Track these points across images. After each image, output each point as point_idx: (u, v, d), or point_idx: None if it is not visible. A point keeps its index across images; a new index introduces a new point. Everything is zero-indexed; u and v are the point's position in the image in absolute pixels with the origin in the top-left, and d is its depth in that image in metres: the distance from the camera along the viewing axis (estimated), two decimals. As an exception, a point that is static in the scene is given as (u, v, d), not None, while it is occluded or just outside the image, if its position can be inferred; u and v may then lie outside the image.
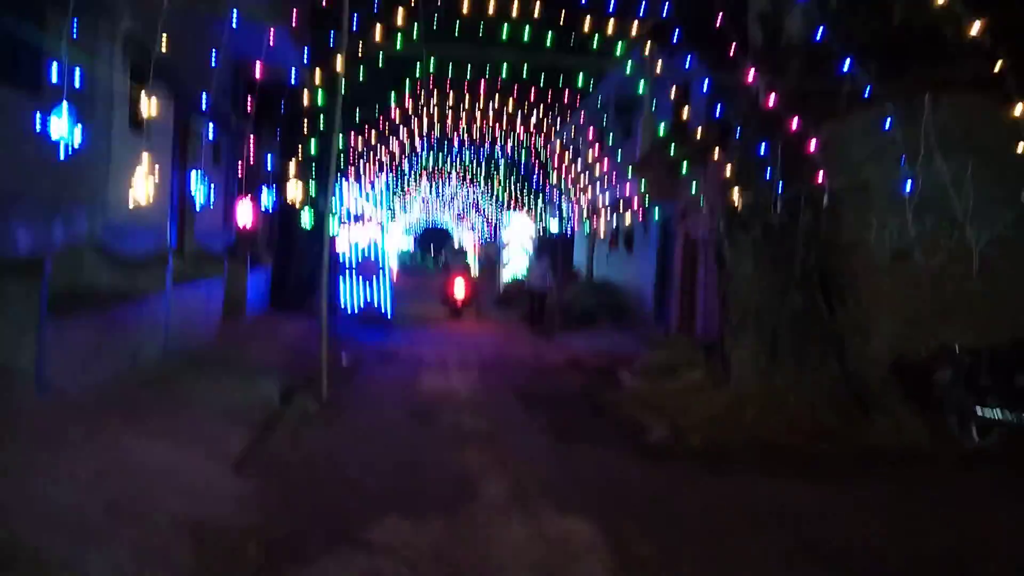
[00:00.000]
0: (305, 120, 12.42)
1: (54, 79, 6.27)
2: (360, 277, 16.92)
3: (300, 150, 12.91)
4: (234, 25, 10.54)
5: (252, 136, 12.95)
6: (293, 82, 11.96)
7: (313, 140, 12.20)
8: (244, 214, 11.54)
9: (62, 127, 6.06)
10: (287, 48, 12.14)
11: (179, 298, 8.89)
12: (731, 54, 8.68)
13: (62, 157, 6.17)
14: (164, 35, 8.45)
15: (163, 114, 10.40)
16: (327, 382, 8.78)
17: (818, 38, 8.64)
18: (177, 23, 9.22)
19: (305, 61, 12.04)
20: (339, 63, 8.36)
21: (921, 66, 8.51)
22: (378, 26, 8.15)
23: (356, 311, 17.02)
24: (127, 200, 9.33)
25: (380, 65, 10.70)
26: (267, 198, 13.46)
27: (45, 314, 5.60)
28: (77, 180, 8.06)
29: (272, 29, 11.56)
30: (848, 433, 8.20)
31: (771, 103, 7.63)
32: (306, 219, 13.20)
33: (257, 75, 12.56)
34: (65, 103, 6.02)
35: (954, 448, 7.78)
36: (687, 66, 9.44)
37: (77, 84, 6.40)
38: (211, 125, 12.13)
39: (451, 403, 9.57)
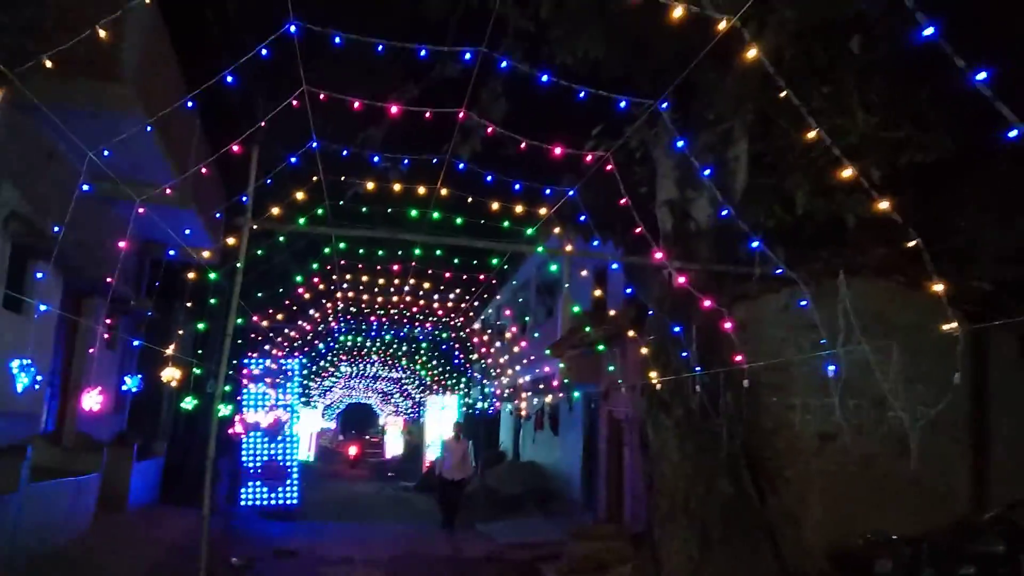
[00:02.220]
0: (206, 300, 11.89)
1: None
2: (263, 467, 15.75)
3: (187, 331, 12.18)
4: (138, 208, 10.27)
5: (150, 317, 12.28)
6: (196, 261, 11.53)
7: (201, 321, 11.54)
8: (91, 401, 10.41)
9: None
10: (196, 229, 11.82)
11: (39, 494, 7.83)
12: (641, 239, 8.76)
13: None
14: (51, 214, 8.03)
15: (48, 294, 9.76)
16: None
17: (723, 224, 8.89)
18: (71, 202, 8.84)
19: (209, 244, 11.69)
20: (243, 240, 7.96)
21: (827, 252, 8.69)
22: (276, 208, 7.87)
23: (260, 503, 15.68)
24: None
25: (282, 241, 10.38)
26: (132, 383, 12.39)
27: None
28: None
29: (181, 210, 11.32)
30: (789, 634, 7.52)
31: (682, 285, 7.54)
32: (188, 404, 12.24)
33: (158, 256, 12.26)
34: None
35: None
36: (600, 248, 9.44)
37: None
38: (103, 306, 11.48)
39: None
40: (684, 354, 8.05)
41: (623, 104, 6.12)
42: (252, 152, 8.05)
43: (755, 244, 6.70)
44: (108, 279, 10.57)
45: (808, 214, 8.62)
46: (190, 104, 7.77)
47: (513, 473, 20.17)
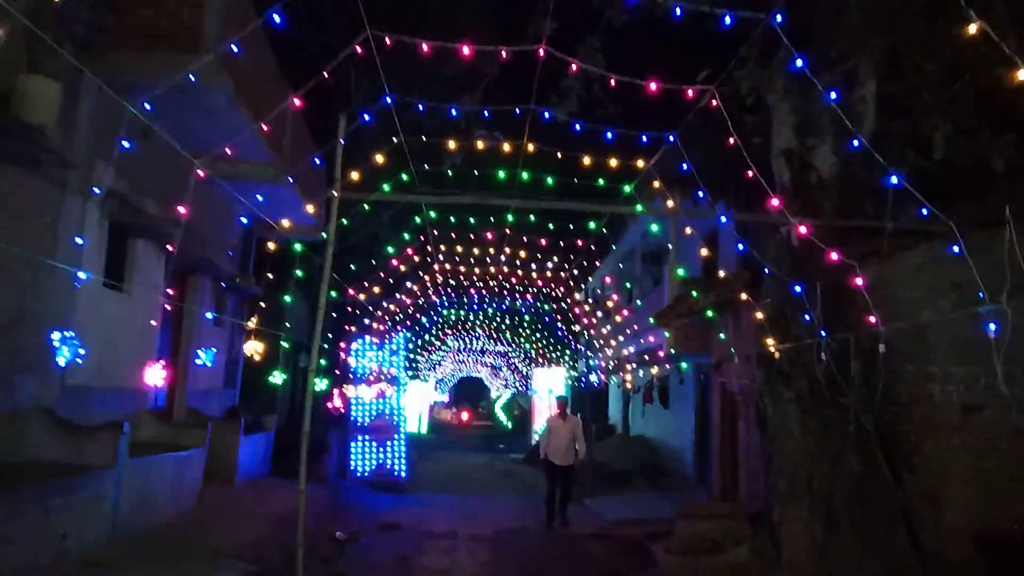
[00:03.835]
0: (304, 274, 11.89)
1: None
2: (372, 439, 15.85)
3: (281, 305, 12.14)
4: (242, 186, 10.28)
5: (257, 295, 12.40)
6: (298, 238, 11.53)
7: (288, 294, 11.45)
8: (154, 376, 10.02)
9: None
10: (296, 205, 11.80)
11: (141, 469, 7.95)
12: (753, 195, 8.00)
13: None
14: (153, 191, 8.03)
15: (150, 272, 9.92)
16: (303, 568, 7.50)
17: (849, 174, 7.97)
18: (172, 179, 8.89)
19: (311, 220, 11.63)
20: (333, 211, 7.74)
21: (971, 203, 7.63)
22: (356, 173, 7.59)
23: (368, 475, 15.83)
24: (102, 361, 8.68)
25: (369, 211, 10.14)
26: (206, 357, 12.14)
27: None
28: (28, 341, 7.38)
29: (279, 186, 11.29)
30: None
31: (804, 237, 6.73)
32: (277, 379, 12.28)
33: (265, 235, 12.32)
34: None
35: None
36: (707, 206, 8.69)
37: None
38: (210, 284, 11.66)
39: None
40: (807, 318, 7.26)
41: (728, 20, 5.35)
42: (339, 120, 7.85)
43: (894, 180, 5.76)
44: (211, 258, 10.74)
45: (948, 160, 7.60)
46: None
47: (622, 447, 19.66)
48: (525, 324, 24.07)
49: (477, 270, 15.95)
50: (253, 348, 10.93)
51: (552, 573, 9.10)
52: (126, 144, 6.71)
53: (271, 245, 11.41)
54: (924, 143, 7.56)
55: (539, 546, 10.81)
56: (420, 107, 7.08)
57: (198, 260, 11.20)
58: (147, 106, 6.07)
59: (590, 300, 21.60)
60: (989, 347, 7.88)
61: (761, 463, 9.53)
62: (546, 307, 20.59)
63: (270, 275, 12.95)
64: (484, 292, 18.99)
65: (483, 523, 12.15)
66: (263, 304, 11.51)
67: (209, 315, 9.63)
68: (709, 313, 10.94)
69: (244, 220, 10.65)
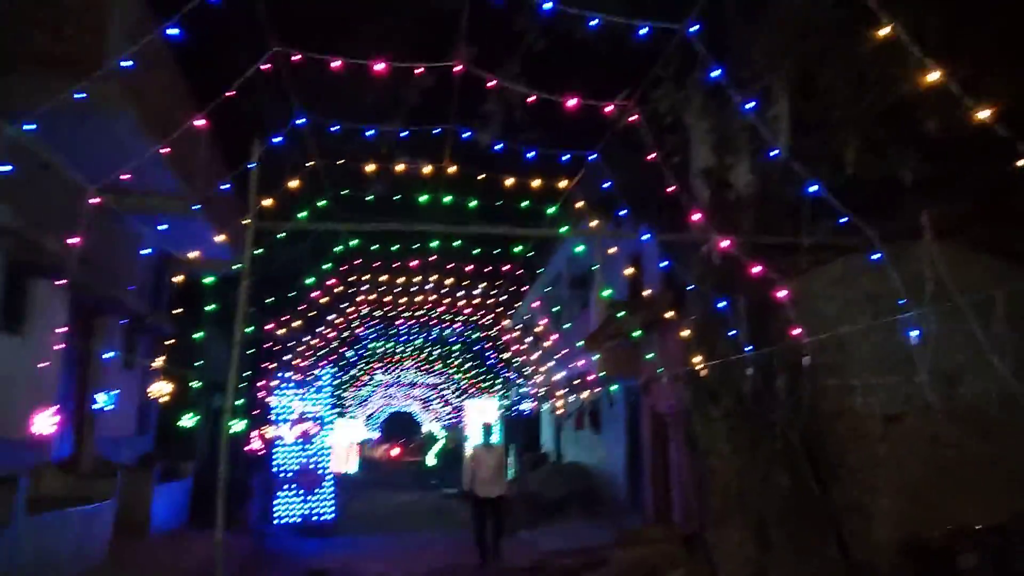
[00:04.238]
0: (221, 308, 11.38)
1: None
2: (298, 487, 15.25)
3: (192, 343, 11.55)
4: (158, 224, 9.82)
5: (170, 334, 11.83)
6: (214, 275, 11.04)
7: (199, 330, 10.92)
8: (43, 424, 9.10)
9: None
10: (209, 237, 11.35)
11: (41, 526, 7.35)
12: (675, 216, 8.06)
13: None
14: (54, 227, 7.55)
15: (52, 314, 9.33)
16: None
17: (766, 193, 8.13)
18: (75, 214, 8.40)
19: (226, 254, 11.18)
20: (247, 241, 7.43)
21: (879, 217, 7.87)
22: (270, 200, 7.31)
23: (294, 519, 15.20)
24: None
25: (285, 240, 9.80)
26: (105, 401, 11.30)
27: None
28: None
29: (195, 221, 10.86)
30: (868, 639, 6.78)
31: (726, 251, 6.78)
32: (187, 421, 11.71)
33: (179, 270, 11.78)
34: None
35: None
36: (629, 227, 8.72)
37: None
38: (119, 324, 11.06)
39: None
40: (732, 333, 7.29)
41: (645, 31, 5.35)
42: (253, 145, 7.59)
43: (814, 188, 5.86)
44: (118, 296, 10.18)
45: (858, 175, 7.82)
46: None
47: (555, 475, 19.46)
48: (454, 354, 23.79)
49: (403, 300, 15.62)
50: (160, 389, 10.33)
51: (488, 610, 8.83)
52: (5, 168, 6.21)
53: (180, 279, 10.89)
54: (835, 159, 7.76)
55: (475, 582, 10.51)
56: (335, 129, 6.88)
57: (104, 299, 10.62)
58: (28, 127, 5.64)
59: (519, 327, 21.50)
60: (907, 358, 8.13)
61: (693, 484, 9.52)
62: (475, 335, 20.40)
63: (183, 311, 12.37)
64: (411, 322, 18.67)
65: (415, 563, 11.76)
66: (170, 342, 10.94)
67: (108, 355, 9.08)
68: (636, 334, 10.94)
69: (148, 251, 10.15)
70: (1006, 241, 7.94)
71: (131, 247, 11.44)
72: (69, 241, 7.70)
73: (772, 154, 6.69)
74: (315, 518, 15.28)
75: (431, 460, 36.44)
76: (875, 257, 5.89)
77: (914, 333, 5.87)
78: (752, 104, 6.59)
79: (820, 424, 8.00)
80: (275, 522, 15.06)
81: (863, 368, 8.16)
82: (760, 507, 7.77)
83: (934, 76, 4.38)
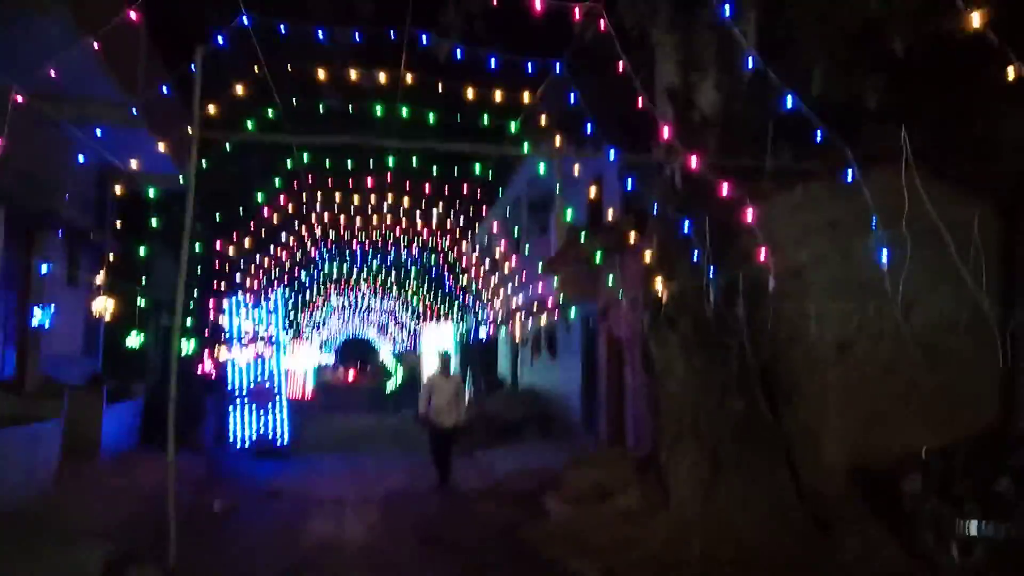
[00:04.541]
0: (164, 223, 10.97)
1: None
2: (252, 405, 15.07)
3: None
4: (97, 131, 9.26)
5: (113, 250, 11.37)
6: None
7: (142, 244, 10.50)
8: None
9: None
10: (153, 150, 10.83)
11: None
12: (639, 138, 7.85)
13: None
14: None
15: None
16: (176, 543, 6.97)
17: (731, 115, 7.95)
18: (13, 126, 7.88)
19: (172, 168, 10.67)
20: (191, 153, 7.05)
21: (844, 139, 7.77)
22: (212, 106, 6.90)
23: (250, 441, 15.09)
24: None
25: (232, 152, 9.34)
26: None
27: None
28: None
29: (139, 131, 10.31)
30: (811, 559, 6.97)
31: (688, 181, 6.63)
32: (134, 340, 11.39)
33: (118, 184, 11.25)
34: None
35: (933, 571, 6.57)
36: (595, 147, 8.49)
37: None
38: (61, 240, 10.59)
39: (340, 557, 7.91)
40: (694, 258, 7.20)
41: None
42: (196, 55, 7.13)
43: (789, 104, 5.71)
44: (55, 207, 9.72)
45: (822, 99, 7.68)
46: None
47: (511, 400, 19.65)
48: (412, 278, 23.53)
49: (358, 220, 15.19)
50: (103, 306, 9.95)
51: (444, 533, 8.88)
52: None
53: (121, 191, 10.39)
54: (802, 81, 7.58)
55: (430, 507, 10.58)
56: (282, 28, 6.45)
57: (43, 214, 10.13)
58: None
59: (478, 250, 21.30)
60: (862, 285, 8.17)
61: (648, 407, 9.60)
62: (433, 259, 20.14)
63: (128, 226, 11.87)
64: (367, 245, 18.29)
65: (371, 486, 11.78)
66: (112, 256, 10.51)
67: (45, 269, 8.68)
68: (597, 258, 10.85)
69: (82, 159, 9.64)
70: (964, 170, 7.92)
71: (69, 157, 10.86)
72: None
73: (748, 65, 6.48)
74: (270, 437, 15.17)
75: (390, 387, 36.60)
76: (848, 180, 5.78)
77: (880, 258, 5.81)
78: (729, 6, 6.33)
79: (775, 350, 8.06)
80: (230, 443, 14.93)
81: (819, 295, 8.20)
82: (714, 431, 7.84)
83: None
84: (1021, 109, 7.85)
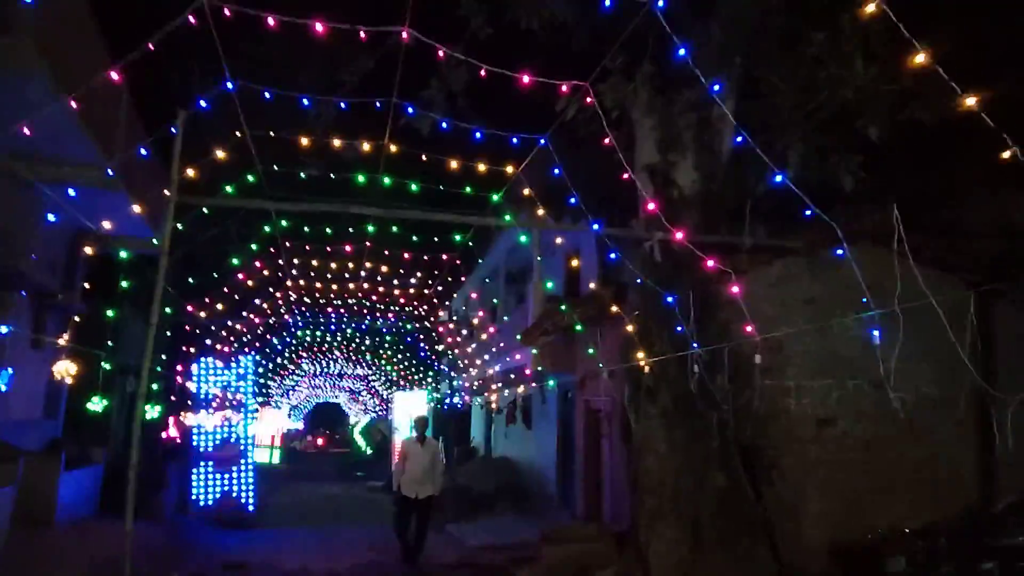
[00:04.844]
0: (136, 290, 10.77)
1: None
2: (216, 467, 14.61)
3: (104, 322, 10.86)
4: (70, 193, 9.14)
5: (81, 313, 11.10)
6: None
7: (112, 308, 10.28)
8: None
9: None
10: (128, 212, 10.69)
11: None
12: (620, 213, 7.93)
13: None
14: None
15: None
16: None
17: (709, 193, 8.07)
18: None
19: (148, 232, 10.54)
20: (167, 216, 6.96)
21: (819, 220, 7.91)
22: (192, 170, 6.86)
23: (211, 507, 14.57)
24: None
25: (210, 216, 9.25)
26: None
27: None
28: None
29: (116, 194, 10.18)
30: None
31: (679, 243, 6.65)
32: (96, 405, 11.04)
33: (89, 245, 11.08)
34: None
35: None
36: (574, 219, 8.55)
37: None
38: (26, 300, 10.31)
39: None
40: (678, 330, 7.17)
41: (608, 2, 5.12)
42: (179, 119, 7.12)
43: (779, 179, 5.77)
44: (19, 266, 9.49)
45: (798, 180, 7.83)
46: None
47: (485, 470, 19.27)
48: (386, 345, 23.28)
49: (335, 286, 15.02)
50: (64, 369, 9.61)
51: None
52: None
53: (91, 252, 10.19)
54: (778, 162, 7.74)
55: (401, 578, 10.22)
56: (267, 95, 6.45)
57: (8, 274, 9.86)
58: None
59: (455, 319, 21.18)
60: (841, 361, 8.21)
61: (626, 482, 9.43)
62: (409, 326, 19.97)
63: (97, 289, 11.62)
64: (342, 311, 18.08)
65: (338, 558, 11.37)
66: (79, 319, 10.22)
67: (4, 330, 8.39)
68: (578, 328, 10.80)
69: (53, 219, 9.48)
70: (934, 250, 8.07)
71: (38, 216, 10.67)
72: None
73: (737, 141, 6.59)
74: (234, 506, 14.65)
75: (365, 449, 35.76)
76: (829, 258, 5.81)
77: (862, 334, 5.81)
78: (717, 88, 6.45)
79: (755, 425, 8.01)
80: (191, 512, 14.40)
81: (798, 371, 8.23)
82: (694, 507, 7.71)
83: (920, 59, 4.23)
84: (992, 196, 8.12)
